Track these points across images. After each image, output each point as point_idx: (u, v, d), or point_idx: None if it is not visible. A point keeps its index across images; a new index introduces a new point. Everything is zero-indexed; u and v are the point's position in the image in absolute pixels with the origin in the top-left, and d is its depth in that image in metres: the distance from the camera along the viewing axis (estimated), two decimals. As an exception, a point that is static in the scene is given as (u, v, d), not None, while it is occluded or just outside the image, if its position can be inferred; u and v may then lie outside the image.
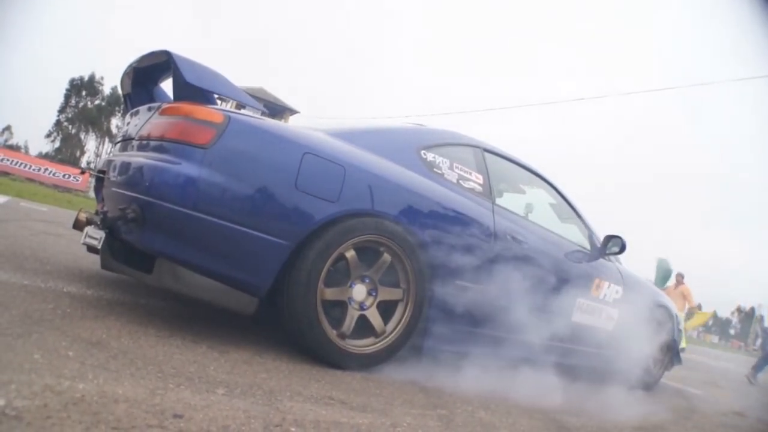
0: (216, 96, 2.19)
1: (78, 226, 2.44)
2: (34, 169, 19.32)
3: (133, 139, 2.26)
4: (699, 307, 10.23)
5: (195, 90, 2.10)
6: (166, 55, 2.17)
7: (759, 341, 19.12)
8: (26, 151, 44.14)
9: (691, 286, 9.56)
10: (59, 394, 1.14)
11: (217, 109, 1.99)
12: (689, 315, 9.74)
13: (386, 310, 2.23)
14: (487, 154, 2.88)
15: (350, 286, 2.14)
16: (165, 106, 2.11)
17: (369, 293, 2.19)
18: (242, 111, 2.12)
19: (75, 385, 1.21)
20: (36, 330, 1.56)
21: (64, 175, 19.88)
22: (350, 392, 1.81)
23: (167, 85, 2.60)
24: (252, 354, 1.96)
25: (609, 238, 3.35)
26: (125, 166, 2.06)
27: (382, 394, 1.90)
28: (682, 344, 6.91)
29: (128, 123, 2.53)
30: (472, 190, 2.65)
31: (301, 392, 1.65)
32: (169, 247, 1.86)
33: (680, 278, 9.62)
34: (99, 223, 2.13)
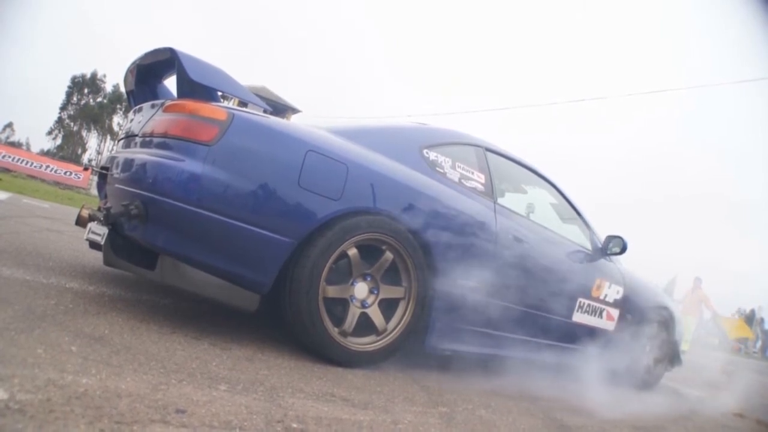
0: (219, 93, 2.19)
1: (81, 222, 2.45)
2: (35, 166, 19.34)
3: (136, 136, 2.26)
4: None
5: (199, 87, 2.11)
6: (170, 52, 2.18)
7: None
8: (28, 148, 44.24)
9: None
10: (62, 389, 1.15)
11: (220, 106, 1.99)
12: (707, 322, 9.63)
13: (388, 308, 2.23)
14: (489, 154, 2.88)
15: (352, 284, 2.14)
16: (169, 103, 2.12)
17: (371, 291, 2.19)
18: (245, 108, 2.12)
19: (78, 380, 1.22)
20: (39, 325, 1.57)
21: (65, 172, 19.90)
22: (352, 389, 1.81)
23: (170, 83, 2.61)
24: (254, 351, 1.97)
25: (610, 239, 3.36)
26: (128, 163, 2.06)
27: (383, 391, 1.90)
28: (684, 346, 6.90)
29: (131, 120, 2.53)
30: (474, 189, 2.65)
31: (302, 389, 1.66)
32: (172, 243, 1.87)
33: (698, 283, 9.47)
34: (102, 219, 2.13)
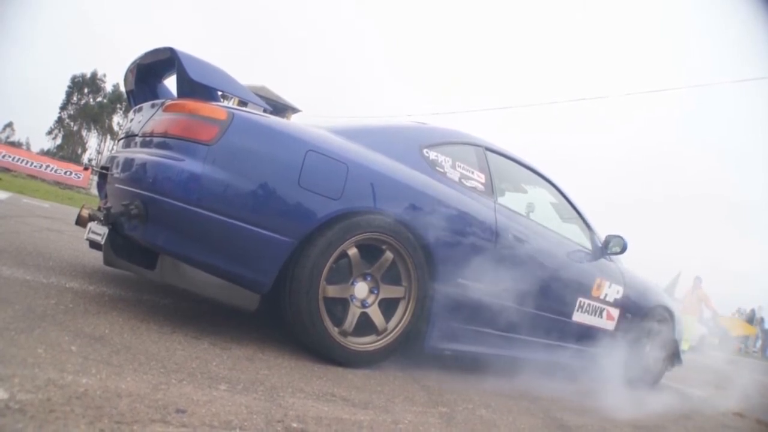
0: (219, 93, 2.19)
1: (81, 222, 2.45)
2: (35, 166, 19.32)
3: (136, 135, 2.26)
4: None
5: (199, 87, 2.11)
6: (170, 51, 2.18)
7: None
8: (28, 148, 44.22)
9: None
10: (62, 388, 1.15)
11: (220, 106, 1.99)
12: (707, 321, 9.64)
13: (388, 307, 2.23)
14: (489, 153, 2.88)
15: (352, 284, 2.14)
16: (169, 102, 2.12)
17: (371, 291, 2.19)
18: (245, 108, 2.12)
19: (78, 380, 1.22)
20: (39, 325, 1.57)
21: (65, 172, 19.89)
22: (352, 389, 1.81)
23: (170, 82, 2.61)
24: (254, 350, 1.97)
25: (610, 238, 3.36)
26: (129, 163, 2.06)
27: (383, 391, 1.90)
28: (684, 345, 6.90)
29: (131, 120, 2.53)
30: (474, 188, 2.65)
31: (302, 389, 1.66)
32: (172, 243, 1.87)
33: (698, 282, 9.45)
34: (102, 219, 2.13)
